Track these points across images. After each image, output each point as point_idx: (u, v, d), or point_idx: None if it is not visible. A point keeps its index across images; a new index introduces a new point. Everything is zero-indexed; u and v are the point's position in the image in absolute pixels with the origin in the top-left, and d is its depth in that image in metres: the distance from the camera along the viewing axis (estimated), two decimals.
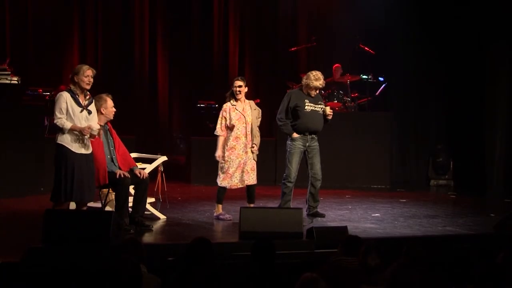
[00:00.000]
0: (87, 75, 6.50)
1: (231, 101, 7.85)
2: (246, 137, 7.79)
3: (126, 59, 12.96)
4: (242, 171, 7.75)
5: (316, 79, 7.95)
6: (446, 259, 5.74)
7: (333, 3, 12.94)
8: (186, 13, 13.28)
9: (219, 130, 7.79)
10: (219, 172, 7.79)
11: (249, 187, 7.85)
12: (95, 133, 6.46)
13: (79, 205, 6.62)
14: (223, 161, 7.75)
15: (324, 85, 8.13)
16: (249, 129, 7.80)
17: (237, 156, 7.73)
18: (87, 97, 6.59)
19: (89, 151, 6.56)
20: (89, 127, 6.41)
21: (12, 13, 12.18)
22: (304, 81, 8.04)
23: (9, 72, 9.62)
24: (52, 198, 6.51)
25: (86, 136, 6.43)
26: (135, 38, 12.99)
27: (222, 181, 7.74)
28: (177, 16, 13.22)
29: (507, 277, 3.99)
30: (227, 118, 7.76)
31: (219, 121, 7.81)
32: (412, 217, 8.34)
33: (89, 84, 6.53)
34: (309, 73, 8.07)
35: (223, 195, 7.83)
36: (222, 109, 7.86)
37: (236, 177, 7.75)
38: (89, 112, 6.56)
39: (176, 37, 13.20)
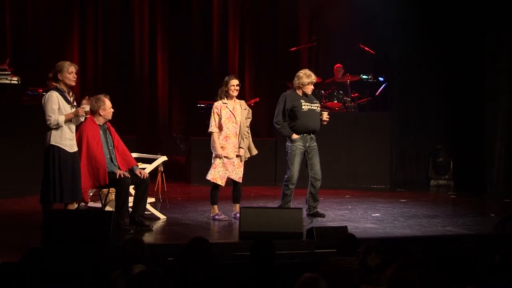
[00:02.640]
0: (70, 71, 6.46)
1: (223, 99, 7.82)
2: (236, 137, 7.76)
3: (126, 59, 12.95)
4: (227, 169, 7.72)
5: (307, 75, 8.00)
6: (446, 259, 5.74)
7: (333, 3, 12.93)
8: (186, 13, 13.28)
9: (214, 127, 7.73)
10: (211, 168, 7.73)
11: (235, 186, 7.84)
12: (87, 109, 6.52)
13: (69, 205, 6.61)
14: (213, 158, 7.70)
15: (315, 79, 8.12)
16: (238, 128, 7.78)
17: (226, 155, 7.70)
18: (71, 93, 6.59)
19: (77, 149, 6.59)
20: (81, 108, 6.44)
21: (12, 13, 12.18)
22: (296, 83, 8.06)
23: (9, 72, 9.62)
24: (41, 200, 6.50)
25: (82, 115, 6.45)
26: (135, 38, 12.99)
27: (208, 174, 7.70)
28: (177, 16, 13.22)
29: (507, 277, 3.99)
30: (219, 115, 7.74)
31: (212, 118, 7.75)
32: (412, 217, 8.34)
33: (74, 80, 6.52)
34: (298, 73, 8.09)
35: (216, 196, 7.78)
36: (214, 106, 7.81)
37: (218, 171, 7.68)
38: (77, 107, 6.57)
39: (176, 37, 13.20)
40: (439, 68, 12.54)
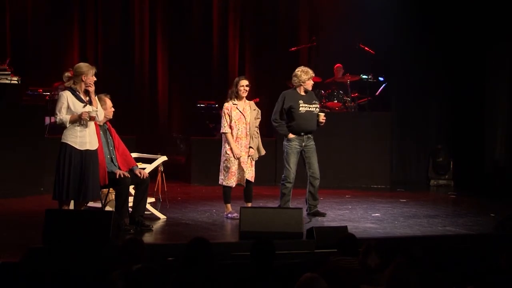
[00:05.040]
0: (93, 74, 6.50)
1: (233, 100, 7.86)
2: (246, 137, 7.82)
3: (126, 59, 12.96)
4: (242, 170, 7.78)
5: (305, 72, 8.04)
6: (446, 259, 5.74)
7: (333, 3, 12.94)
8: (186, 13, 13.28)
9: (227, 127, 7.78)
10: (223, 172, 7.80)
11: (247, 185, 7.85)
12: (94, 114, 6.44)
13: (79, 204, 6.60)
14: (226, 160, 7.76)
15: (313, 74, 8.12)
16: (248, 129, 7.82)
17: (237, 154, 7.75)
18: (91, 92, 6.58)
19: (94, 148, 6.54)
20: (87, 111, 6.40)
21: (12, 13, 12.18)
22: (295, 81, 8.06)
23: (9, 72, 9.61)
24: (53, 197, 6.51)
25: (86, 119, 6.39)
26: (135, 38, 13.00)
27: (228, 180, 7.76)
28: (177, 16, 13.22)
29: (507, 277, 3.99)
30: (230, 116, 7.78)
31: (224, 119, 7.81)
32: (412, 217, 8.34)
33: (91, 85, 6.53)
34: (295, 72, 8.09)
35: (230, 194, 7.87)
36: (224, 107, 7.87)
37: (238, 175, 7.79)
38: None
39: (176, 37, 13.20)
40: (439, 68, 12.54)
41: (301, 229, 6.62)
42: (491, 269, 4.01)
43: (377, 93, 12.08)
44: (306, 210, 7.98)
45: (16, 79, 9.63)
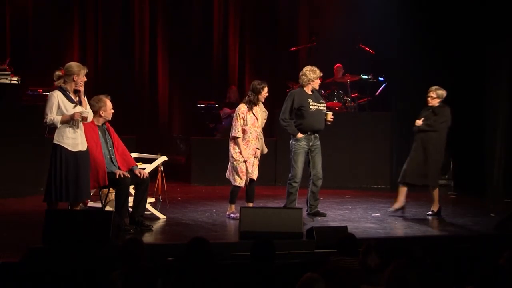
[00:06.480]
0: (84, 74, 6.49)
1: (248, 104, 7.83)
2: (255, 140, 7.84)
3: (126, 59, 12.96)
4: (248, 171, 7.80)
5: (313, 71, 8.08)
6: (446, 259, 5.74)
7: (333, 3, 12.94)
8: (186, 13, 13.29)
9: (240, 132, 7.74)
10: (233, 172, 7.80)
11: (250, 185, 7.86)
12: (86, 115, 6.44)
13: (73, 205, 6.59)
14: (235, 161, 7.76)
15: (321, 74, 8.15)
16: (259, 132, 7.84)
17: (246, 158, 7.77)
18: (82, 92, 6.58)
19: (85, 148, 6.54)
20: (79, 111, 6.39)
21: (12, 13, 12.18)
22: (304, 80, 8.05)
23: (9, 72, 9.62)
24: (45, 199, 6.49)
25: (78, 120, 6.37)
26: (135, 38, 13.00)
27: (240, 180, 7.77)
28: (177, 16, 13.23)
29: (507, 277, 3.98)
30: (245, 120, 7.76)
31: (238, 123, 7.75)
32: (412, 217, 8.34)
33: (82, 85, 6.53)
34: (303, 71, 8.11)
35: (237, 195, 7.88)
36: (240, 111, 7.80)
37: (245, 176, 7.80)
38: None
39: (176, 37, 13.21)
40: (439, 68, 12.52)
41: (301, 229, 6.62)
42: (491, 269, 4.00)
43: (377, 93, 12.07)
44: (307, 211, 7.98)
45: (16, 79, 9.63)
